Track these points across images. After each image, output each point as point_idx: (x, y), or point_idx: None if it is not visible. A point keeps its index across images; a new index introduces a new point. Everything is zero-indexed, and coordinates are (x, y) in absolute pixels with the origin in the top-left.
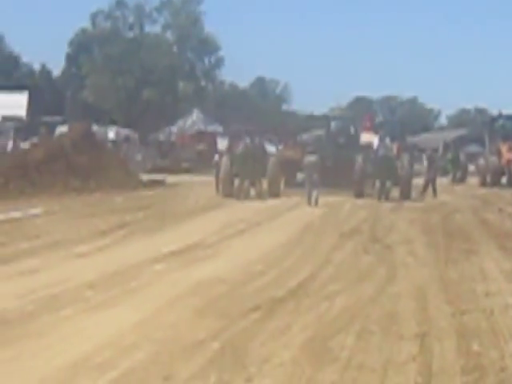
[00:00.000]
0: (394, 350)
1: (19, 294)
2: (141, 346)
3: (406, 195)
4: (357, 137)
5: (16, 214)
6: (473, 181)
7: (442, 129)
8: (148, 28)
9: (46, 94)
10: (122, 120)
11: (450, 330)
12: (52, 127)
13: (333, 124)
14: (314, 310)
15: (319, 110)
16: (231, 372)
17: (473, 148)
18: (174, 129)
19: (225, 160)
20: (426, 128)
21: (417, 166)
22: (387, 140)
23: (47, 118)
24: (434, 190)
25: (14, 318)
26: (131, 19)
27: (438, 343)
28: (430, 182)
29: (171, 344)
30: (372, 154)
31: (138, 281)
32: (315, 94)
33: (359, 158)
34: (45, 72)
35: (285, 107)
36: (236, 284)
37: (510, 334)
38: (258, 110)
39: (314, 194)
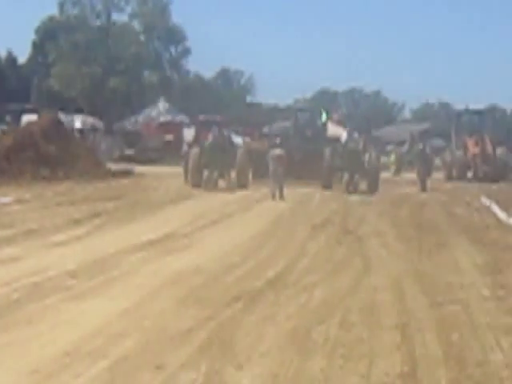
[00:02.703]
0: (376, 339)
1: (3, 282)
2: (129, 335)
3: (373, 188)
4: (324, 129)
5: None
6: (438, 175)
7: (405, 122)
8: (115, 17)
9: (11, 81)
10: (88, 108)
11: (429, 320)
12: (17, 115)
13: (300, 116)
14: (294, 301)
15: (283, 101)
16: (221, 360)
17: (437, 142)
18: (140, 118)
19: (194, 151)
20: (390, 121)
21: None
22: (355, 133)
23: (13, 106)
24: (425, 186)
25: (2, 306)
26: (99, 7)
27: (418, 334)
28: (423, 177)
29: (159, 333)
30: (340, 146)
31: (119, 270)
32: (279, 85)
33: (327, 151)
34: (10, 59)
35: (249, 98)
36: (215, 274)
37: (487, 325)
38: (223, 100)
39: (279, 187)
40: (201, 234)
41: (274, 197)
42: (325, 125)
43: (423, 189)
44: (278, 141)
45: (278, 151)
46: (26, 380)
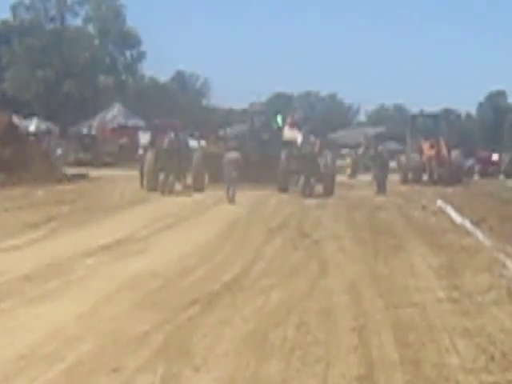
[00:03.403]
0: (333, 342)
1: None
2: (86, 339)
3: (329, 191)
4: (280, 132)
5: None
6: (393, 178)
7: (361, 125)
8: (69, 20)
9: None
10: (42, 113)
11: (386, 323)
12: None
13: (256, 119)
14: (251, 304)
15: (239, 105)
16: (178, 363)
17: (391, 145)
18: (95, 122)
19: (149, 154)
20: (345, 124)
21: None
22: (310, 136)
23: None
24: (383, 189)
25: None
26: (52, 11)
27: (375, 336)
28: (381, 180)
29: (116, 336)
30: (296, 150)
31: (74, 274)
32: (235, 89)
33: (283, 154)
34: None
35: (204, 102)
36: (171, 278)
37: (443, 327)
38: (178, 104)
39: (232, 190)
40: (157, 237)
41: (228, 200)
42: (281, 129)
43: (380, 191)
44: (231, 144)
45: (232, 155)
46: None
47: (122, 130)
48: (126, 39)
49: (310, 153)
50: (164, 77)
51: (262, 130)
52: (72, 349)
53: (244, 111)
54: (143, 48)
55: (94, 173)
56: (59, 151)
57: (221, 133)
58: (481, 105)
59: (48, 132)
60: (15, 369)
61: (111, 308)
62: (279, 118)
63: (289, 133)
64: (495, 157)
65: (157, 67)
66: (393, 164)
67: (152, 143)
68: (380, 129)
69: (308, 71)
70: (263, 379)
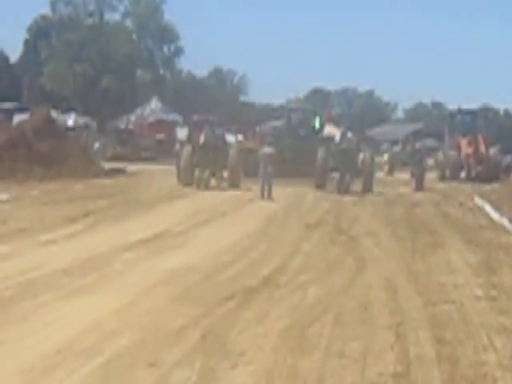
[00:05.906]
0: (370, 338)
1: None
2: (123, 332)
3: (367, 188)
4: (317, 131)
5: None
6: (430, 175)
7: (398, 122)
8: (108, 16)
9: (2, 80)
10: (80, 107)
11: (423, 320)
12: (9, 114)
13: (293, 115)
14: (287, 300)
15: (277, 101)
16: (215, 358)
17: (429, 142)
18: (133, 117)
19: (186, 150)
20: (383, 121)
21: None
22: (348, 133)
23: (5, 105)
24: (421, 185)
25: None
26: (91, 6)
27: (412, 333)
28: (419, 177)
29: (153, 331)
30: (333, 146)
31: (112, 268)
32: (272, 84)
33: (320, 150)
34: (2, 57)
35: (242, 98)
36: (208, 273)
37: (481, 325)
38: (216, 99)
39: (267, 186)
40: (194, 232)
41: (263, 196)
42: (318, 131)
43: (418, 188)
44: (268, 139)
45: (267, 150)
46: (20, 377)
47: (159, 124)
48: (164, 34)
49: (347, 149)
50: (202, 72)
51: (299, 126)
52: (110, 343)
53: (281, 107)
54: (181, 43)
55: (131, 167)
56: (97, 146)
57: (258, 128)
58: None
59: (86, 126)
60: (53, 362)
61: (149, 302)
62: (317, 121)
63: (326, 129)
64: None
65: (194, 62)
66: (430, 161)
67: (189, 138)
68: (418, 125)
69: (346, 67)
70: (300, 375)
